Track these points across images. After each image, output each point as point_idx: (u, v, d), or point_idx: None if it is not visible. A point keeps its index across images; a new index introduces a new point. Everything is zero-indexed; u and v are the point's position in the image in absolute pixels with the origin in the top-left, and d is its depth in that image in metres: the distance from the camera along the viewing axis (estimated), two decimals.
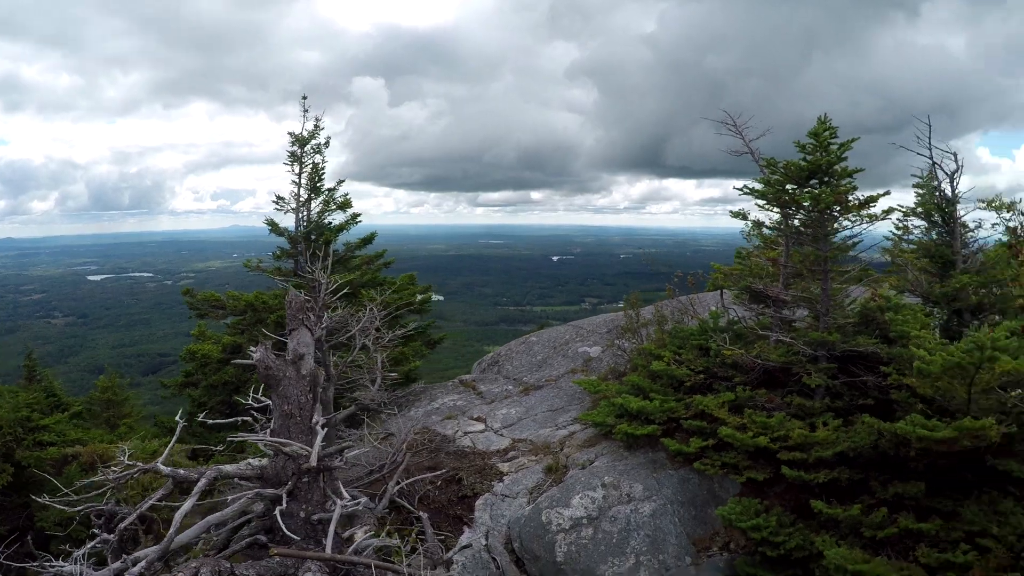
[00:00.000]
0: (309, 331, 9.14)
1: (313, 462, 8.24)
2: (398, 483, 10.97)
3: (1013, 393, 8.69)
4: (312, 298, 11.75)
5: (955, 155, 12.23)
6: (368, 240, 22.16)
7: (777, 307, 11.95)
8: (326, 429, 9.02)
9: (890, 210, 11.45)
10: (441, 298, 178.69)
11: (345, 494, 8.90)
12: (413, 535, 10.46)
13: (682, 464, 11.43)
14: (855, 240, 11.72)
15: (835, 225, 11.24)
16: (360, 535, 9.55)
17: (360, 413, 14.23)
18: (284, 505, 8.16)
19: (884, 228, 13.29)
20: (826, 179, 11.12)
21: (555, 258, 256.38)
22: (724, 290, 13.59)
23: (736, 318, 12.92)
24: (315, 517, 8.50)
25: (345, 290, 13.69)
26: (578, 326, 19.13)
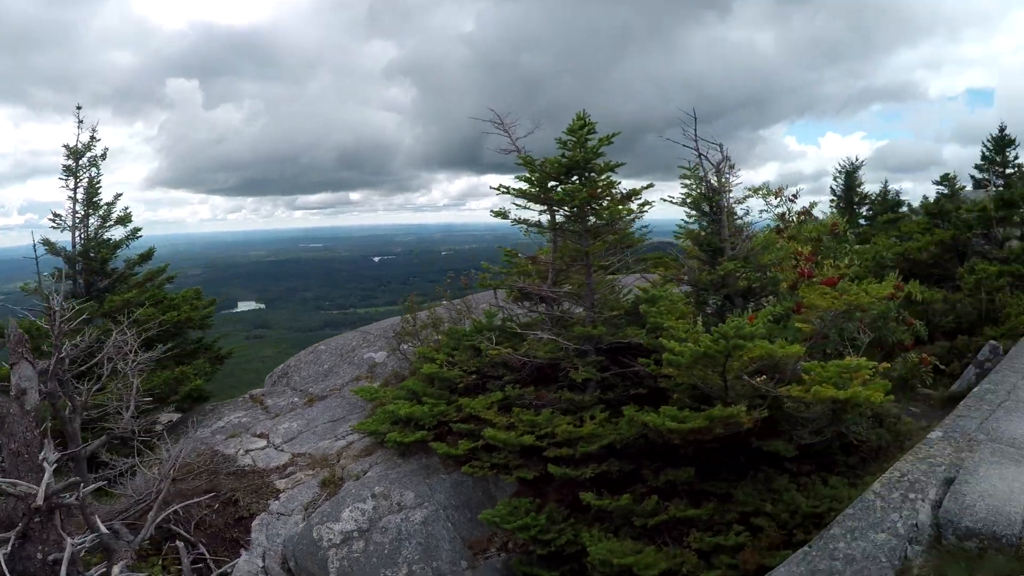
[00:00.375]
0: (31, 364, 8.63)
1: (40, 501, 7.75)
2: (163, 510, 10.49)
3: (758, 379, 8.82)
4: (50, 326, 11.13)
5: (721, 146, 12.45)
6: (147, 256, 21.05)
7: (548, 304, 11.91)
8: (56, 464, 8.49)
9: (646, 203, 11.55)
10: (263, 306, 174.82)
11: (102, 528, 8.45)
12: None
13: (455, 468, 11.30)
14: (623, 233, 11.81)
15: (592, 219, 11.28)
16: (116, 570, 9.05)
17: (124, 441, 13.50)
18: (8, 549, 7.66)
19: (677, 218, 13.46)
20: (586, 174, 11.14)
21: (376, 258, 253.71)
22: (498, 289, 13.48)
23: (509, 316, 12.84)
24: (51, 558, 8.01)
25: (83, 316, 12.90)
26: (365, 331, 18.78)
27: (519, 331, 11.84)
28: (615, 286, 12.36)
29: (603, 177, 11.13)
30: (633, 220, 12.00)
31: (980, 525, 6.22)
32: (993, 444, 7.84)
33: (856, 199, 46.09)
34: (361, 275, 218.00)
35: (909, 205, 41.38)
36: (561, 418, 10.47)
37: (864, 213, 45.52)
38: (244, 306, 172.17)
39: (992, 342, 13.88)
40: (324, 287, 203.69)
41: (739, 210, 13.13)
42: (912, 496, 6.92)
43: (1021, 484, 6.81)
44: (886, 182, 50.96)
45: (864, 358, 9.38)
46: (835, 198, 46.56)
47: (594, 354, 11.11)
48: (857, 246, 22.76)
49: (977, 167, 35.15)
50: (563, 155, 11.07)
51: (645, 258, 15.73)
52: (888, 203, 44.66)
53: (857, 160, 46.42)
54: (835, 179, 46.75)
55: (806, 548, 6.77)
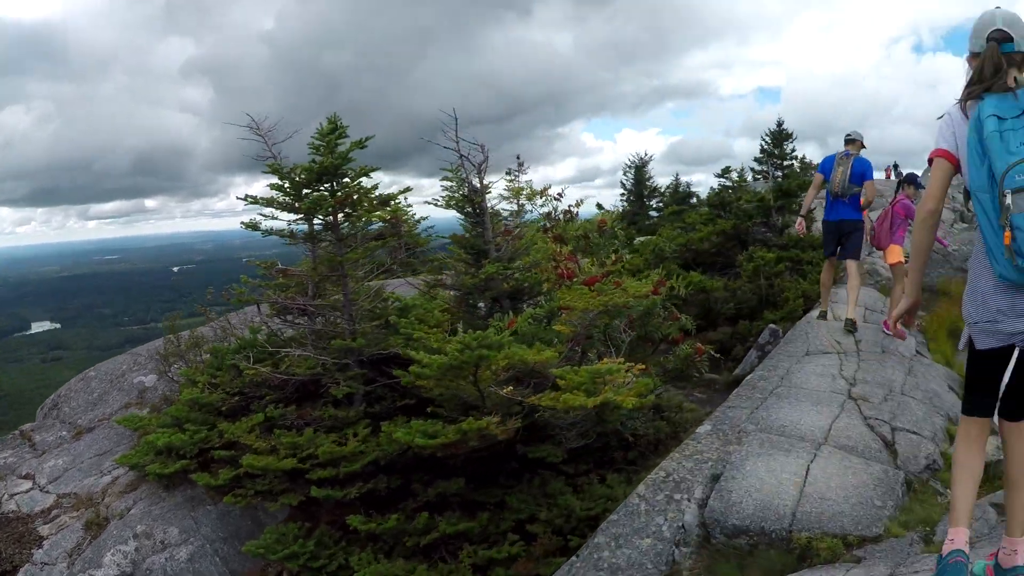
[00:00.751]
0: None
1: None
2: None
3: (507, 389, 8.69)
4: None
5: (482, 147, 12.34)
6: None
7: (310, 317, 11.52)
8: None
9: (396, 208, 11.35)
10: (58, 326, 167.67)
11: None
12: None
13: (221, 497, 10.77)
14: (384, 239, 11.58)
15: (346, 227, 11.02)
16: None
17: None
18: None
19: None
20: (337, 180, 10.84)
21: (175, 268, 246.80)
22: (260, 304, 13.02)
23: (273, 332, 12.37)
24: None
25: None
26: (136, 353, 17.80)
27: (271, 349, 11.37)
28: (381, 293, 12.04)
29: (355, 183, 10.83)
30: (417, 222, 11.78)
31: (748, 522, 6.18)
32: (762, 434, 7.85)
33: (646, 192, 47.68)
34: (161, 286, 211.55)
35: (698, 197, 43.03)
36: (324, 437, 10.03)
37: (654, 205, 47.14)
38: (38, 327, 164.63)
39: (772, 326, 14.52)
40: (123, 301, 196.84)
41: (505, 210, 13.10)
42: (678, 497, 6.83)
43: (789, 474, 6.83)
44: (677, 175, 52.89)
45: (622, 359, 9.37)
46: (625, 192, 48.04)
47: (356, 367, 10.74)
48: (641, 238, 23.19)
49: (757, 160, 36.62)
50: (314, 161, 10.70)
51: (432, 259, 15.54)
52: (679, 195, 46.43)
53: (646, 155, 48.07)
54: (625, 174, 48.18)
55: (573, 559, 6.64)
